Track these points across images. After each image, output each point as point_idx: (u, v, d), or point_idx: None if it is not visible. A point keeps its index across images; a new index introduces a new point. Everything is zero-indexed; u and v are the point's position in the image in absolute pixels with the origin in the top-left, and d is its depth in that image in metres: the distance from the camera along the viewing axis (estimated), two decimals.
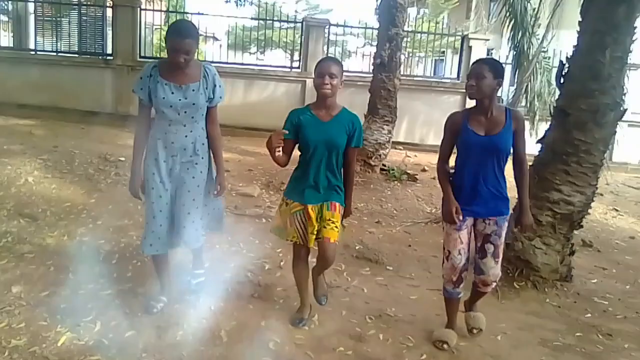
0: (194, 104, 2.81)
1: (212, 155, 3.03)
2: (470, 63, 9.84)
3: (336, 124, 2.84)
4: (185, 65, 2.73)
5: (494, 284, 3.00)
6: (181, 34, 2.68)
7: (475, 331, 3.10)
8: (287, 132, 2.75)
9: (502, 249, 2.94)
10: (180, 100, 2.78)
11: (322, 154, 2.83)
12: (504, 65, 2.95)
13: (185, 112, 2.81)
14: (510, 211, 2.98)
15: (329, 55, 10.71)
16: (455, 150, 2.94)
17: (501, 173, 2.85)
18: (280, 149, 2.72)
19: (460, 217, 2.83)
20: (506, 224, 2.92)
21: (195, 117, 2.86)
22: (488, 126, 2.78)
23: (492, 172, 2.82)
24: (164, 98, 2.76)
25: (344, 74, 2.90)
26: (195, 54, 2.84)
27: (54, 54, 10.69)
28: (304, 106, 2.99)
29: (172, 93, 2.77)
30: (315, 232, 2.85)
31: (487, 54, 11.07)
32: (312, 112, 2.86)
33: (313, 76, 2.83)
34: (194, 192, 2.92)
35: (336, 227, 2.85)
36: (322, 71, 2.76)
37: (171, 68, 2.78)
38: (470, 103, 2.90)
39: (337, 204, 2.89)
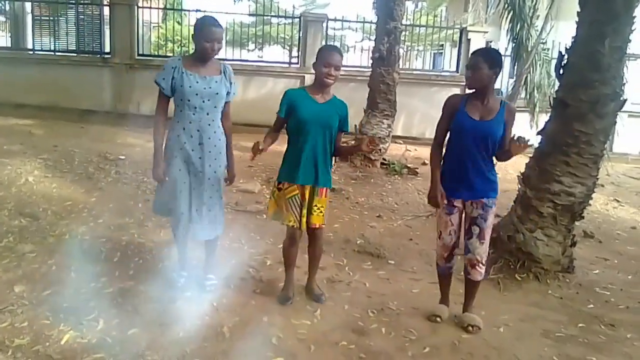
0: (217, 93, 3.05)
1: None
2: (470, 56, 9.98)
3: (330, 106, 3.06)
4: (216, 53, 3.00)
5: (481, 266, 3.10)
6: (216, 24, 2.96)
7: (471, 328, 3.10)
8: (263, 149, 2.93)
9: (489, 232, 3.09)
10: (205, 88, 3.00)
11: (317, 134, 3.00)
12: (502, 56, 3.06)
13: (209, 100, 3.03)
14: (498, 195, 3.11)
15: None
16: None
17: (489, 158, 3.01)
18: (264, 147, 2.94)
19: (445, 202, 3.04)
20: (494, 208, 3.06)
21: (218, 107, 3.10)
22: (483, 112, 2.94)
23: (479, 156, 2.96)
24: (190, 87, 2.97)
25: (343, 68, 3.04)
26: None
27: (52, 53, 10.65)
28: (300, 87, 3.22)
29: (197, 82, 2.99)
30: (305, 215, 3.08)
31: (486, 46, 11.02)
32: (308, 93, 3.06)
33: (314, 62, 2.99)
34: (213, 181, 3.14)
35: (322, 212, 3.11)
36: (330, 61, 2.93)
37: (197, 61, 3.03)
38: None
39: (325, 190, 3.11)
